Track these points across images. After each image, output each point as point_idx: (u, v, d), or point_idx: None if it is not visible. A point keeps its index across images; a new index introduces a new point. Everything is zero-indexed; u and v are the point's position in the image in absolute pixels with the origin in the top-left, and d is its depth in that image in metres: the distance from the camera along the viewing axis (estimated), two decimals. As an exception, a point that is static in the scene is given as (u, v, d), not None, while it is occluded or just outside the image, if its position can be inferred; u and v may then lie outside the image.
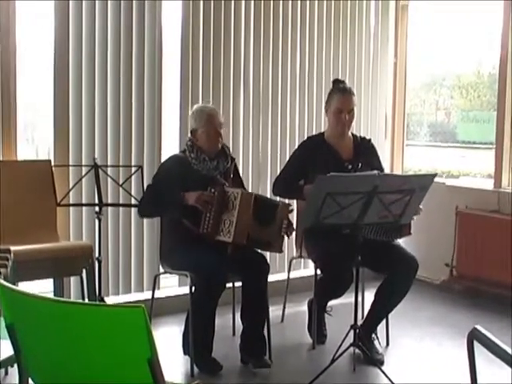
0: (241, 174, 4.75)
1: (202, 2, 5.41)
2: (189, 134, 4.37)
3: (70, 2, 4.82)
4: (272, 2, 5.79)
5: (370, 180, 3.74)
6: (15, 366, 2.28)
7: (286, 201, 5.22)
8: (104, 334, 1.92)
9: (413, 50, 6.71)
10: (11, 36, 4.70)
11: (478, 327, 1.97)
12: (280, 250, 4.31)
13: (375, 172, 4.02)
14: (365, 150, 4.62)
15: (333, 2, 6.14)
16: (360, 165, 4.49)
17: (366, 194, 3.72)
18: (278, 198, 4.88)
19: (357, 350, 4.21)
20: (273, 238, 4.20)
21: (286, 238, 4.35)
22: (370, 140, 4.74)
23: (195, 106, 4.44)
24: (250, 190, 5.19)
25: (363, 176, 4.06)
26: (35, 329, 2.05)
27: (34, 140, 6.00)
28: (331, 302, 4.70)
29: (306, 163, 4.52)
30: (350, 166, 4.47)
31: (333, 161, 4.47)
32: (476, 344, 1.94)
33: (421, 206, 4.19)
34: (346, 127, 4.53)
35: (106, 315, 1.91)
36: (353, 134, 4.69)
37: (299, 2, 5.95)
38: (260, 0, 5.71)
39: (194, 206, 4.07)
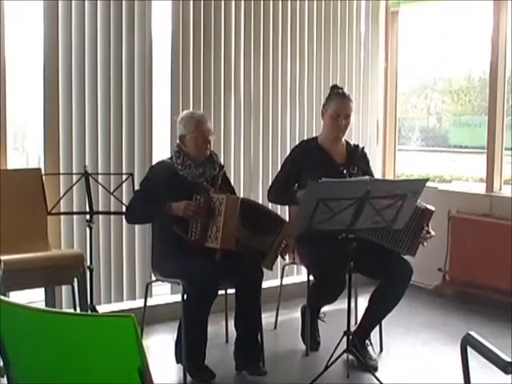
0: (232, 181, 4.72)
1: (191, 3, 5.39)
2: (177, 141, 4.35)
3: (60, 3, 4.80)
4: (262, 7, 5.78)
5: (362, 185, 3.72)
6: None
7: (278, 210, 5.22)
8: (94, 343, 1.89)
9: (403, 56, 6.72)
10: (0, 42, 4.67)
11: (472, 333, 1.97)
12: (271, 268, 4.30)
13: (367, 177, 4.01)
14: (358, 157, 4.62)
15: (323, 7, 6.14)
16: (355, 169, 4.48)
17: (358, 199, 3.70)
18: (270, 205, 4.87)
19: (350, 357, 4.20)
20: (263, 249, 4.19)
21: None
22: (363, 148, 4.73)
23: (184, 112, 4.42)
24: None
25: (355, 181, 4.06)
26: (23, 339, 2.03)
27: (24, 148, 5.97)
28: (324, 309, 4.69)
29: (300, 167, 4.51)
30: (344, 171, 4.47)
31: (328, 165, 4.47)
32: (470, 349, 1.93)
33: (433, 233, 4.23)
34: (341, 132, 4.54)
35: (95, 325, 1.89)
36: (346, 141, 4.68)
37: (289, 8, 5.95)
38: (250, 1, 5.70)
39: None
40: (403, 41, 6.70)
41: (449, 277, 5.96)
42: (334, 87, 4.62)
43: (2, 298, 2.04)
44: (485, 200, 5.76)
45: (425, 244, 4.27)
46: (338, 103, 4.50)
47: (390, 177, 6.65)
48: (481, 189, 5.96)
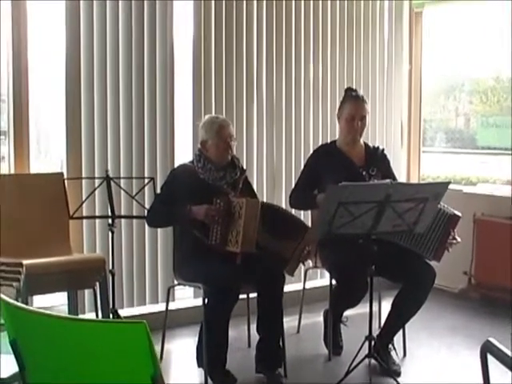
0: (255, 186, 4.69)
1: (213, 3, 5.38)
2: (198, 145, 4.35)
3: (81, 4, 4.81)
4: (284, 8, 5.76)
5: (383, 189, 3.68)
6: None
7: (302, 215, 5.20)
8: (106, 350, 1.89)
9: (429, 56, 6.66)
10: (22, 45, 4.69)
11: (491, 340, 1.94)
12: (292, 274, 4.26)
13: (388, 181, 3.97)
14: (377, 158, 4.58)
15: (346, 9, 6.11)
16: (375, 170, 4.45)
17: (379, 203, 3.67)
18: (293, 211, 4.83)
19: (373, 361, 4.16)
20: (285, 254, 4.16)
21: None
22: (383, 149, 4.69)
23: (206, 117, 4.41)
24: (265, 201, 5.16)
25: (375, 185, 4.03)
26: (38, 345, 2.03)
27: (47, 153, 6.01)
28: (347, 313, 4.65)
29: (320, 171, 4.48)
30: (364, 173, 4.44)
31: (347, 167, 4.45)
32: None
33: (458, 239, 4.18)
34: (357, 134, 4.51)
35: (107, 331, 1.88)
36: (365, 143, 4.65)
37: (312, 9, 5.92)
38: (272, 1, 5.68)
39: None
40: (428, 41, 6.64)
41: (474, 280, 5.88)
42: (348, 90, 4.61)
43: (18, 304, 2.05)
44: (510, 203, 5.68)
45: (450, 250, 4.22)
46: (352, 106, 4.48)
47: (414, 179, 6.60)
48: (506, 191, 5.88)
